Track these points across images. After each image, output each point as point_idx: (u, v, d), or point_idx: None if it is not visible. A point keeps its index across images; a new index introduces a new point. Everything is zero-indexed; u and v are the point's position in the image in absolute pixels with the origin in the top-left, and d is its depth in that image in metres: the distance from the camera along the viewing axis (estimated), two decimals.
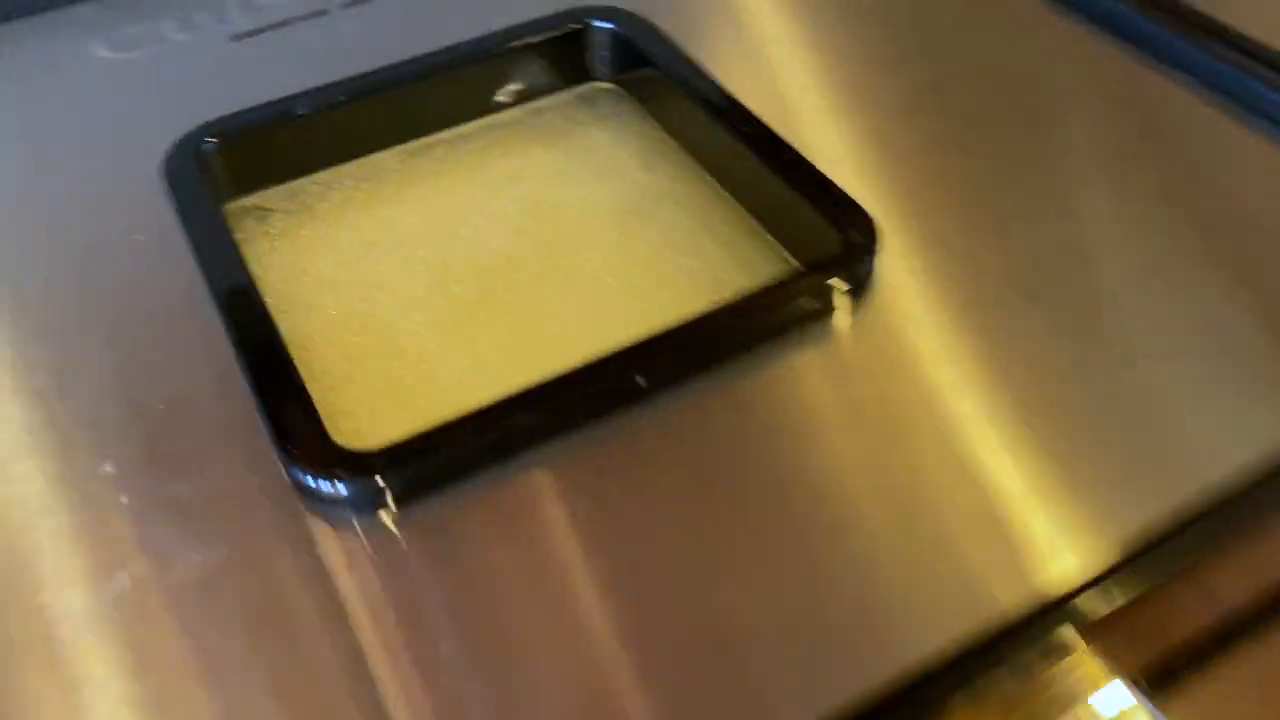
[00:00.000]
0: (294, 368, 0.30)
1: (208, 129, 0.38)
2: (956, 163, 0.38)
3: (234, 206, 0.39)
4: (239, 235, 0.38)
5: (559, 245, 0.37)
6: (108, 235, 0.36)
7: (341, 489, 0.28)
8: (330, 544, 0.28)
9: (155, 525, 0.28)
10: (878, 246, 0.34)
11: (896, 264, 0.34)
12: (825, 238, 0.34)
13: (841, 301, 0.32)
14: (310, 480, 0.28)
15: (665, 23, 0.43)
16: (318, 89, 0.40)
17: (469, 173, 0.40)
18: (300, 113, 0.39)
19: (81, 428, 0.30)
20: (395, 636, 0.26)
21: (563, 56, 0.43)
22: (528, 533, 0.28)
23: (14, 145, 0.40)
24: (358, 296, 0.36)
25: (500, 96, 0.42)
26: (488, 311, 0.35)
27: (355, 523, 0.28)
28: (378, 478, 0.28)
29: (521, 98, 0.42)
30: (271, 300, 0.35)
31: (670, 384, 0.30)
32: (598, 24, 0.42)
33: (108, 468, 0.29)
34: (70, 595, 0.27)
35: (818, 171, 0.35)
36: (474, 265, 0.37)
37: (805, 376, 0.31)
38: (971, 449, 0.29)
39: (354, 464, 0.28)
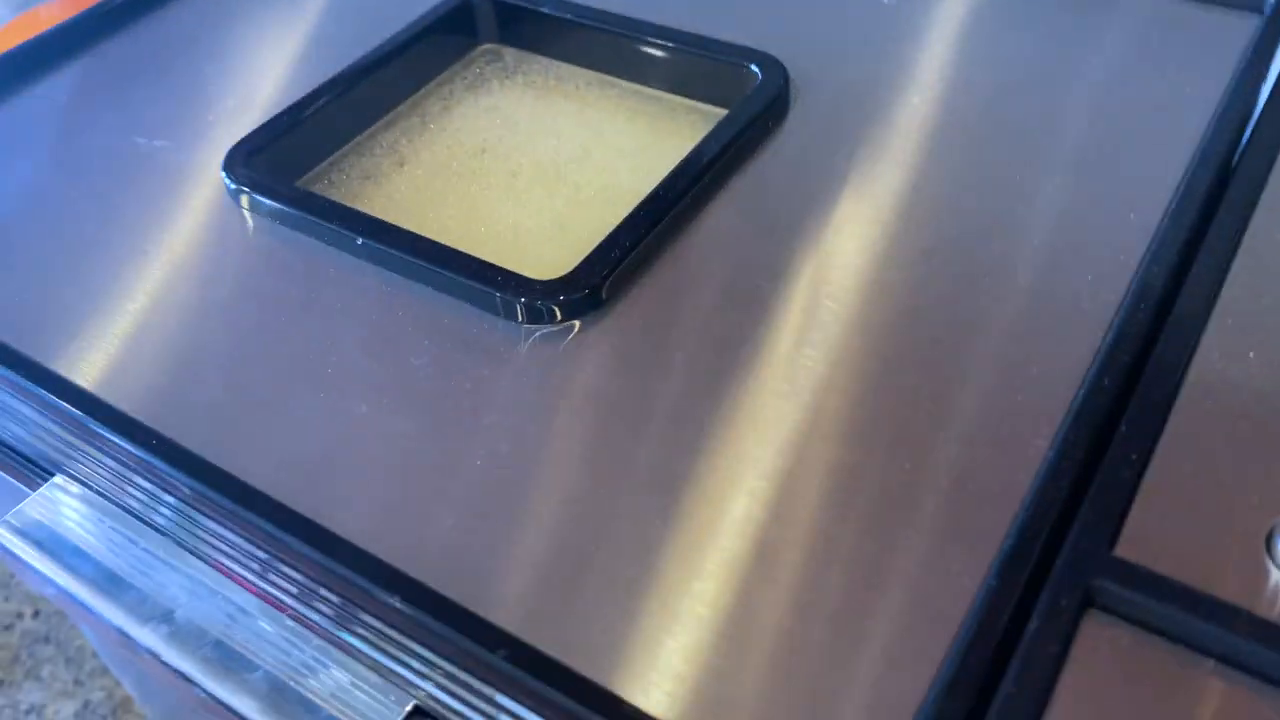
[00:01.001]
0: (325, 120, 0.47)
1: None
2: None
3: (484, 48, 0.55)
4: (471, 69, 0.54)
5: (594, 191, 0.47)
6: (368, 30, 0.54)
7: (228, 181, 0.45)
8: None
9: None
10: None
11: None
12: None
13: None
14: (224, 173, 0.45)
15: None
16: (595, 11, 0.52)
17: (602, 110, 0.51)
18: (569, 15, 0.52)
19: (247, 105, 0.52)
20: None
21: (723, 81, 0.49)
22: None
23: None
24: (475, 149, 0.50)
25: (671, 84, 0.51)
26: (503, 202, 0.48)
27: (242, 211, 0.45)
28: (228, 180, 0.44)
29: (684, 94, 0.50)
30: (434, 121, 0.52)
31: None
32: (752, 67, 0.48)
33: (230, 103, 0.50)
34: None
35: None
36: (539, 171, 0.48)
37: None
38: None
39: (234, 169, 0.45)
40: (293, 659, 0.38)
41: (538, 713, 0.30)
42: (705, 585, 0.31)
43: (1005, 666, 0.28)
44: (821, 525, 0.32)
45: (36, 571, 0.43)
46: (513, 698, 0.30)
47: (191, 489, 0.35)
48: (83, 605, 0.41)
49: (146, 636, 0.40)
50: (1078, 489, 0.32)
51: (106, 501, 0.43)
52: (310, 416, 0.36)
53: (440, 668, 0.32)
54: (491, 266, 0.39)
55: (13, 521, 0.43)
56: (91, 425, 0.37)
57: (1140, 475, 0.31)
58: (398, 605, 0.31)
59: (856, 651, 0.29)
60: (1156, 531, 0.30)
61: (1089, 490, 0.31)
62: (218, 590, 0.40)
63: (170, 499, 0.37)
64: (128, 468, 0.39)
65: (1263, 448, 0.32)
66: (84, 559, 0.42)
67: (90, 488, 0.43)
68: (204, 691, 0.39)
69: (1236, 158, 0.42)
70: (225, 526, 0.35)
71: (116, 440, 0.36)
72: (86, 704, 0.94)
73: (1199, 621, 0.28)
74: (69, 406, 0.38)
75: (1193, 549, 0.30)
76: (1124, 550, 0.30)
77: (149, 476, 0.38)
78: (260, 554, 0.35)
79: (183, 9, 0.58)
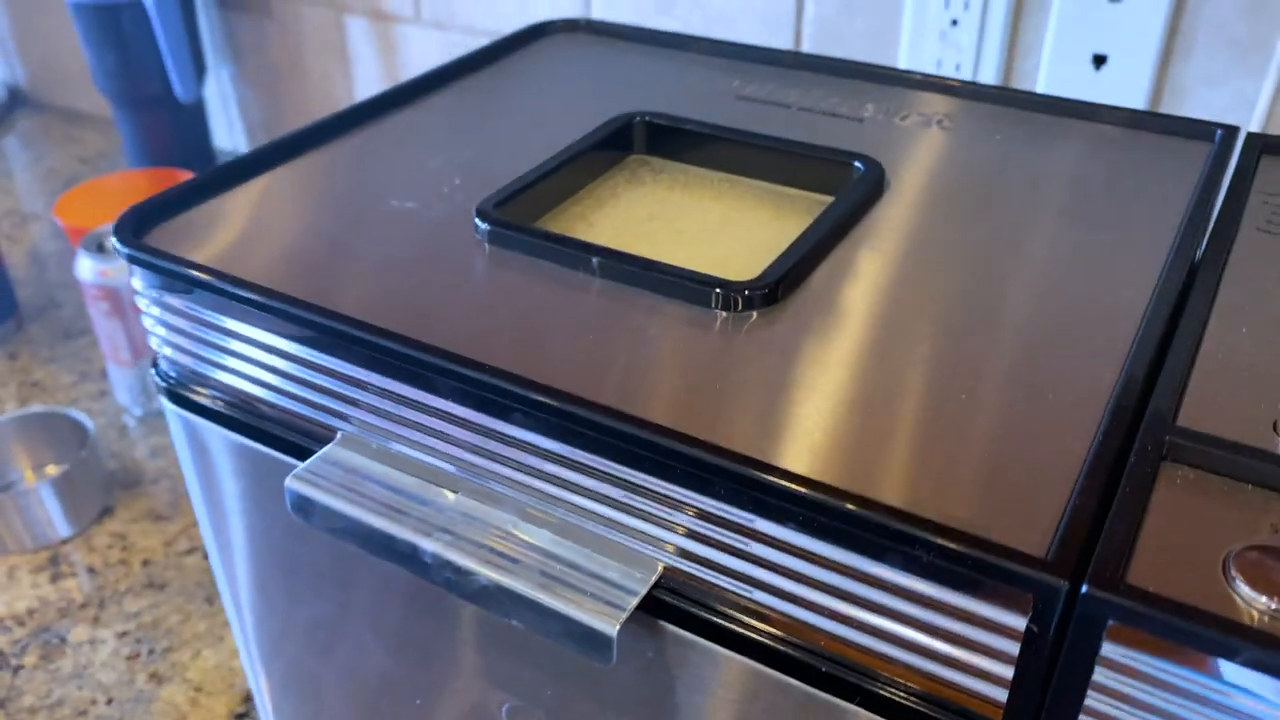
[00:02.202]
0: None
1: (644, 113, 0.71)
2: None
3: (634, 157, 0.72)
4: (627, 170, 0.71)
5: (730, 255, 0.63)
6: (544, 142, 0.72)
7: (483, 224, 0.60)
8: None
9: None
10: None
11: None
12: None
13: None
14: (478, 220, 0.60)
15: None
16: (724, 127, 0.70)
17: (736, 196, 0.67)
18: (702, 131, 0.70)
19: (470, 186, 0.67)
20: None
21: (830, 175, 0.66)
22: None
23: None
24: (644, 218, 0.66)
25: (787, 179, 0.68)
26: (676, 251, 0.63)
27: (486, 247, 0.60)
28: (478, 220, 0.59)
29: (798, 186, 0.68)
30: (595, 214, 0.68)
31: None
32: (856, 163, 0.65)
33: (456, 182, 0.66)
34: None
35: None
36: (699, 231, 0.64)
37: None
38: None
39: (485, 216, 0.60)
40: (555, 554, 0.50)
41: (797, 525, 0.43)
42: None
43: (1116, 485, 0.42)
44: (973, 410, 0.46)
45: (328, 508, 0.54)
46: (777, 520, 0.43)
47: (512, 397, 0.48)
48: (372, 529, 0.53)
49: (432, 544, 0.52)
50: (1140, 401, 0.47)
51: (391, 448, 0.55)
52: (586, 357, 0.50)
53: (693, 507, 0.45)
54: (703, 274, 0.54)
55: (308, 469, 0.55)
56: (428, 358, 0.50)
57: (1186, 382, 0.47)
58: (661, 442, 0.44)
59: (1006, 443, 0.43)
60: (1205, 409, 0.45)
61: (1151, 395, 0.46)
62: (483, 514, 0.53)
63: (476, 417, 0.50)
64: (427, 397, 0.52)
65: (1262, 372, 0.47)
66: (369, 497, 0.54)
67: (374, 438, 0.55)
68: (485, 580, 0.50)
69: (1199, 256, 0.59)
70: (524, 426, 0.48)
71: (452, 367, 0.49)
72: None
73: (1229, 457, 0.42)
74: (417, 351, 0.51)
75: (1227, 424, 0.44)
76: (1184, 420, 0.45)
77: (468, 399, 0.51)
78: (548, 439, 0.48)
79: (405, 116, 0.74)
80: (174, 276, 0.58)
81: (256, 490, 0.64)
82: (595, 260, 0.56)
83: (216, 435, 0.63)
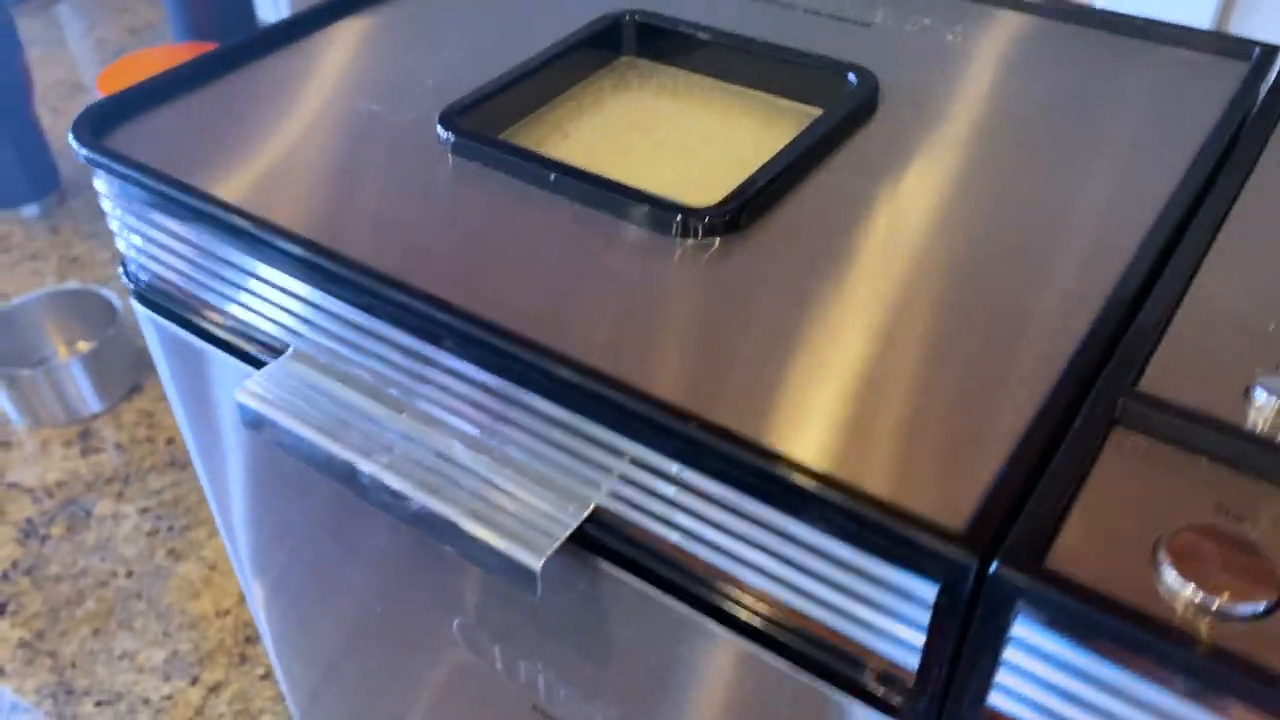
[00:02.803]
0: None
1: (633, 12, 0.67)
2: None
3: (624, 59, 0.68)
4: (614, 74, 0.67)
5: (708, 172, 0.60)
6: (531, 39, 0.68)
7: (446, 133, 0.57)
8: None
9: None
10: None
11: None
12: None
13: None
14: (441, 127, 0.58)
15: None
16: (717, 29, 0.66)
17: (723, 106, 0.64)
18: (695, 34, 0.66)
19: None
20: None
21: (822, 86, 0.62)
22: None
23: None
24: (624, 127, 0.63)
25: (778, 88, 0.64)
26: (651, 168, 0.60)
27: (448, 156, 0.57)
28: (441, 128, 0.57)
29: (789, 96, 0.63)
30: (587, 107, 0.65)
31: None
32: (849, 76, 0.61)
33: (429, 83, 0.63)
34: None
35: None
36: (677, 146, 0.61)
37: None
38: None
39: (449, 123, 0.57)
40: (490, 481, 0.49)
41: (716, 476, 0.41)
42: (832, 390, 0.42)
43: (1058, 447, 0.39)
44: (924, 360, 0.44)
45: (274, 423, 0.54)
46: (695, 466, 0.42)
47: (450, 327, 0.46)
48: (312, 445, 0.52)
49: (369, 465, 0.51)
50: (1107, 353, 0.44)
51: (336, 368, 0.54)
52: (533, 284, 0.48)
53: (628, 454, 0.43)
54: (659, 197, 0.52)
55: (257, 382, 0.55)
56: (379, 288, 0.49)
57: (1160, 337, 0.43)
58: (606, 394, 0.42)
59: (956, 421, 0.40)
60: (1174, 368, 0.42)
61: (1117, 348, 0.43)
62: (424, 436, 0.52)
63: (409, 342, 0.49)
64: (373, 324, 0.51)
65: (1247, 328, 0.44)
66: (314, 413, 0.54)
67: (320, 357, 0.54)
68: (419, 505, 0.50)
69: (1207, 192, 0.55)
70: (468, 358, 0.46)
71: (391, 294, 0.48)
72: (175, 653, 1.02)
73: (1185, 425, 0.39)
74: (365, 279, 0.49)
75: (1194, 386, 0.41)
76: (1147, 382, 0.41)
77: (409, 326, 0.49)
78: (488, 377, 0.46)
79: (388, 9, 0.71)
80: (128, 180, 0.56)
81: (226, 395, 0.64)
82: (553, 177, 0.54)
83: (187, 339, 0.63)
